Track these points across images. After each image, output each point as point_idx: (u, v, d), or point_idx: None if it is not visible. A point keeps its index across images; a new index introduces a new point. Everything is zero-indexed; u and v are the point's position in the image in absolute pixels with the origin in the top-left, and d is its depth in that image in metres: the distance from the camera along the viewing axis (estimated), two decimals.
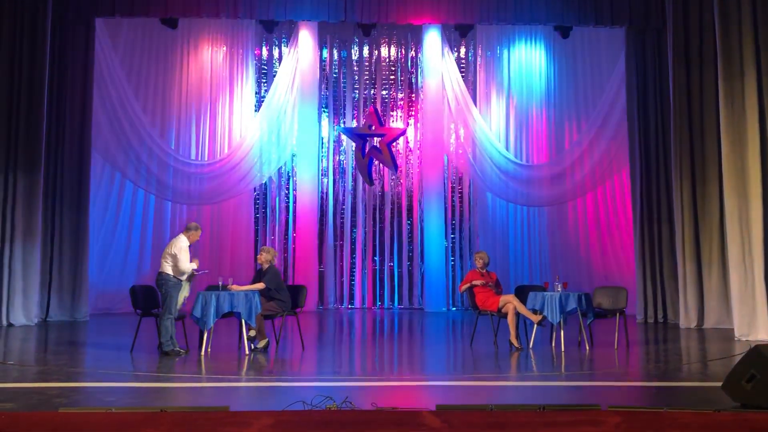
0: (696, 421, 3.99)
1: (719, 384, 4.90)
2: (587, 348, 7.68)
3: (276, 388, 5.52)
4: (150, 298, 7.68)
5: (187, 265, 7.26)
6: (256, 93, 13.55)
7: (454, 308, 13.32)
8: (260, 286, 7.61)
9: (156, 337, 7.31)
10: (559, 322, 7.57)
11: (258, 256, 8.03)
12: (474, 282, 8.10)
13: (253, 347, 7.42)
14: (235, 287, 7.45)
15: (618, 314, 8.07)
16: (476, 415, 4.07)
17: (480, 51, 13.83)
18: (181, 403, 5.00)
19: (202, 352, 7.16)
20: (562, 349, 7.55)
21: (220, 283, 7.42)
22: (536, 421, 4.04)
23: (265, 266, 7.86)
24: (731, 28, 9.03)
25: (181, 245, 7.28)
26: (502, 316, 7.93)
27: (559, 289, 7.75)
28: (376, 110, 13.59)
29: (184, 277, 7.26)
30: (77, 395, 5.01)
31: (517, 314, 7.82)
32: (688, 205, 10.25)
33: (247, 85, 13.45)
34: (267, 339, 7.56)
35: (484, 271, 8.24)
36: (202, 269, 7.58)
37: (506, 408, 4.26)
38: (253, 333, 7.40)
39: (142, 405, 4.64)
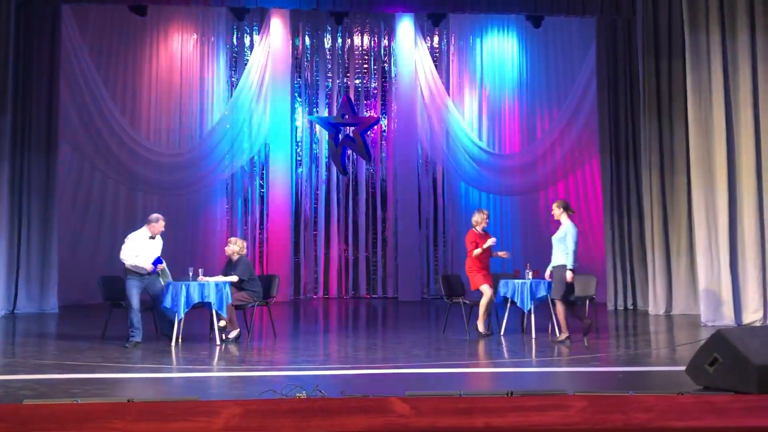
0: (659, 403, 4.06)
1: (685, 368, 4.99)
2: (557, 334, 7.76)
3: (247, 377, 5.50)
4: (119, 288, 7.59)
5: (123, 255, 7.22)
6: (227, 81, 13.42)
7: (431, 297, 13.36)
8: (234, 279, 7.56)
9: (122, 327, 7.24)
10: (530, 309, 7.65)
11: (226, 248, 7.95)
12: (486, 245, 7.72)
13: (224, 337, 7.38)
14: (204, 279, 7.38)
15: (588, 301, 8.19)
16: (445, 402, 4.09)
17: (453, 40, 13.85)
18: (151, 393, 4.96)
19: (173, 343, 7.10)
20: (533, 336, 7.63)
21: (190, 273, 7.35)
22: (504, 406, 4.08)
23: (235, 258, 7.81)
24: (699, 20, 9.14)
25: (129, 236, 7.37)
26: (474, 303, 7.96)
27: (530, 277, 7.83)
28: (349, 99, 13.54)
29: (140, 270, 7.18)
30: (43, 387, 4.94)
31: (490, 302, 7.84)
32: (657, 195, 10.42)
33: (218, 73, 13.32)
34: (238, 329, 7.53)
35: (483, 232, 7.92)
36: (156, 265, 7.28)
37: (474, 394, 4.29)
38: (223, 323, 7.36)
39: (110, 396, 4.59)
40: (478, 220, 7.94)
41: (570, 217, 7.57)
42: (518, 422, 3.89)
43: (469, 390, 4.53)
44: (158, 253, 7.36)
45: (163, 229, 7.43)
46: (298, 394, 4.31)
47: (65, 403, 3.91)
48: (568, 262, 7.33)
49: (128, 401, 3.95)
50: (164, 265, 7.35)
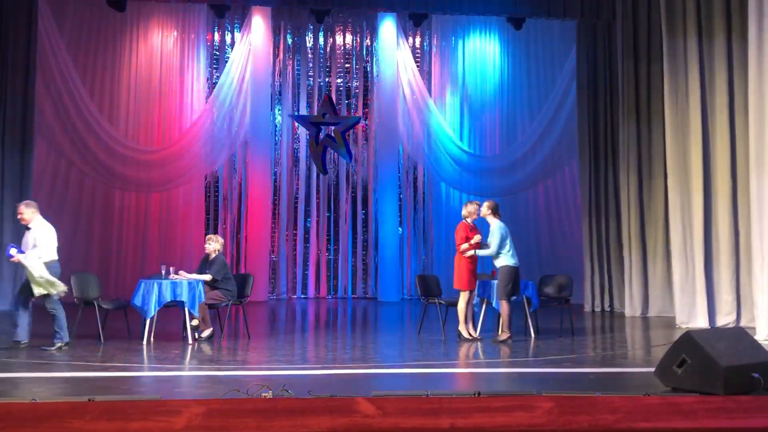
0: (626, 405, 4.07)
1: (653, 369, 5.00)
2: (532, 336, 7.77)
3: (215, 377, 5.44)
4: (90, 286, 7.49)
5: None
6: (207, 79, 13.31)
7: (411, 297, 13.31)
8: (207, 277, 7.49)
9: (96, 326, 7.14)
10: None
11: (207, 246, 7.85)
12: (471, 244, 7.37)
13: (197, 336, 7.31)
14: (179, 276, 7.29)
15: (563, 302, 8.20)
16: (411, 402, 4.07)
17: (435, 41, 13.86)
18: (116, 392, 4.88)
19: (144, 342, 7.02)
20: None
21: (163, 271, 7.27)
22: (470, 407, 4.06)
23: (213, 255, 7.74)
24: (676, 25, 9.22)
25: None
26: (450, 304, 7.92)
27: None
28: (330, 98, 13.48)
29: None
30: (5, 386, 4.85)
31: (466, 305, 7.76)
32: (635, 197, 10.48)
33: (198, 70, 13.20)
34: (211, 328, 7.46)
35: (473, 225, 7.60)
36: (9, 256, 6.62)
37: (441, 394, 4.27)
38: (196, 322, 7.29)
39: (72, 395, 4.51)
40: (471, 211, 7.61)
41: (500, 219, 7.58)
42: (484, 423, 3.87)
43: (438, 390, 4.50)
44: (28, 245, 6.69)
45: (25, 217, 6.74)
46: (263, 394, 4.26)
47: (23, 403, 3.84)
48: (483, 250, 7.36)
49: (89, 400, 3.89)
50: (18, 258, 6.53)
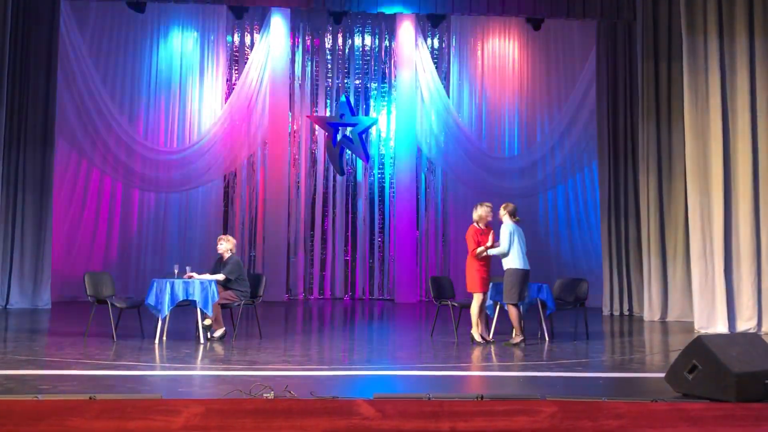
0: (631, 410, 3.99)
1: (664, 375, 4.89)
2: (546, 339, 7.67)
3: (222, 377, 5.44)
4: (104, 284, 7.56)
5: None
6: (227, 80, 13.41)
7: (428, 299, 13.24)
8: (220, 277, 7.50)
9: (108, 325, 7.20)
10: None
11: (219, 246, 7.87)
12: (486, 246, 7.25)
13: (209, 336, 7.33)
14: (191, 275, 7.33)
15: (579, 306, 8.08)
16: (411, 404, 4.03)
17: (453, 42, 13.79)
18: (121, 391, 4.90)
19: (156, 341, 7.06)
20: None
21: (176, 270, 7.31)
22: (472, 410, 4.01)
23: (226, 255, 7.77)
24: (697, 24, 9.04)
25: None
26: (463, 306, 7.86)
27: None
28: (348, 99, 13.49)
29: None
30: (12, 383, 4.90)
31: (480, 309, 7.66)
32: (654, 200, 10.32)
33: (217, 71, 13.31)
34: (224, 328, 7.48)
35: (485, 228, 7.45)
36: None
37: (443, 397, 4.22)
38: (209, 322, 7.31)
39: (76, 393, 4.53)
40: (482, 215, 7.43)
41: (517, 223, 7.42)
42: (485, 426, 3.81)
43: (442, 393, 4.44)
44: None
45: None
46: (265, 395, 4.25)
47: (25, 400, 3.87)
48: (494, 249, 7.24)
49: (89, 398, 3.91)
50: None
